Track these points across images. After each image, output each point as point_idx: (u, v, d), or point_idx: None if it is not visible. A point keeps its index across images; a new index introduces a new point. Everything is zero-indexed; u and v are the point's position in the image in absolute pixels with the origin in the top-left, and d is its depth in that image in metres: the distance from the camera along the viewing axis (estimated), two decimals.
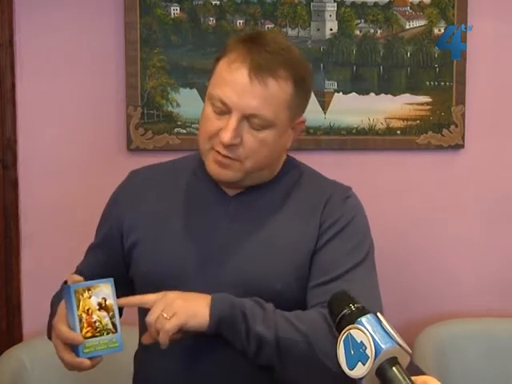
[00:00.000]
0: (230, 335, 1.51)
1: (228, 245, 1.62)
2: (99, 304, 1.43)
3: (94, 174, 2.58)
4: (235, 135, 1.54)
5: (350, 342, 1.13)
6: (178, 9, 2.60)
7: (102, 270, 1.70)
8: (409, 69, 2.71)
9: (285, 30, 2.64)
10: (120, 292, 1.72)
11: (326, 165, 2.61)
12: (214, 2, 2.61)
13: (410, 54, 2.71)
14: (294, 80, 1.57)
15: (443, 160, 2.78)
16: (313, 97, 2.62)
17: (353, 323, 1.14)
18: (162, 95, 2.60)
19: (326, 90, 2.68)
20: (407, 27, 2.71)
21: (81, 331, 1.41)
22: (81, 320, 1.41)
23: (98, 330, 1.42)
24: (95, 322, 1.42)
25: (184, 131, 2.60)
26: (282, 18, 2.64)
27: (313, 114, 2.66)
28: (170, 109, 2.61)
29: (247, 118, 1.55)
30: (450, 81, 2.72)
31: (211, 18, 2.61)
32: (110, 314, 1.44)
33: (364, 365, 1.11)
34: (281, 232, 1.64)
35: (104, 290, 1.44)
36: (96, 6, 2.57)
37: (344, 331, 1.14)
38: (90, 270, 1.73)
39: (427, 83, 2.72)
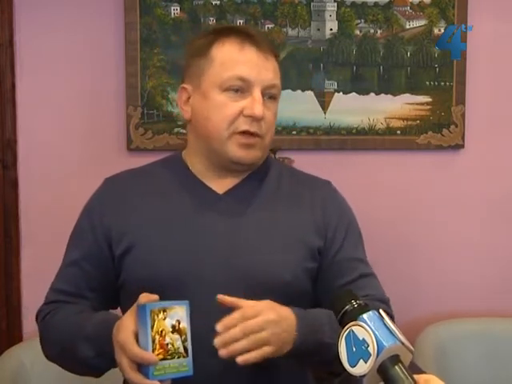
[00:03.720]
0: (298, 359, 1.53)
1: (229, 241, 1.61)
2: (173, 326, 1.40)
3: (94, 174, 2.52)
4: (263, 108, 1.61)
5: (352, 339, 1.12)
6: (178, 9, 2.60)
7: (91, 284, 1.68)
8: (409, 69, 2.71)
9: (285, 29, 2.64)
10: (107, 304, 1.70)
11: (326, 165, 2.64)
12: (214, 2, 2.61)
13: (410, 54, 2.71)
14: (275, 55, 1.69)
15: (443, 160, 2.78)
16: (313, 97, 2.67)
17: (355, 320, 1.14)
18: (162, 95, 2.60)
19: (326, 90, 2.68)
20: (407, 27, 2.71)
21: (152, 352, 1.38)
22: (154, 341, 1.38)
23: (170, 352, 1.39)
24: (167, 344, 1.39)
25: (184, 131, 2.59)
26: (282, 17, 2.64)
27: (313, 113, 2.67)
28: (169, 109, 2.61)
29: (264, 91, 1.62)
30: (450, 81, 2.72)
31: (211, 18, 2.61)
32: (183, 337, 1.40)
33: (366, 362, 1.10)
34: (279, 224, 1.65)
35: (179, 312, 1.40)
36: (96, 5, 2.57)
37: (346, 328, 1.14)
38: (78, 286, 1.68)
39: (427, 83, 2.72)
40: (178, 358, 1.40)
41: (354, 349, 1.12)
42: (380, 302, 1.57)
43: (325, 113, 2.68)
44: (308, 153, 2.67)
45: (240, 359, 1.41)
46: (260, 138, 1.63)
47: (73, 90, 2.58)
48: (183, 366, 1.40)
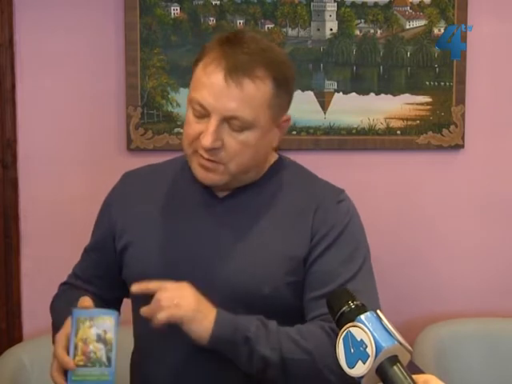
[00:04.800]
0: (230, 355, 1.51)
1: (216, 248, 1.61)
2: (98, 335, 1.43)
3: (94, 174, 2.57)
4: (215, 139, 1.53)
5: (350, 340, 1.12)
6: (178, 9, 2.60)
7: (97, 272, 1.74)
8: (409, 69, 2.71)
9: (285, 29, 2.64)
10: (115, 293, 1.74)
11: (326, 165, 2.63)
12: (214, 2, 2.61)
13: (410, 54, 2.71)
14: (273, 79, 1.55)
15: (443, 160, 2.78)
16: (313, 97, 2.67)
17: (352, 321, 1.13)
18: (162, 95, 2.59)
19: (326, 90, 2.68)
20: (407, 27, 2.71)
21: (74, 358, 1.42)
22: (76, 347, 1.42)
23: (91, 360, 1.42)
24: (90, 352, 1.42)
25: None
26: (282, 17, 2.64)
27: (313, 114, 2.67)
28: (169, 109, 2.61)
29: (227, 120, 1.54)
30: (450, 81, 2.72)
31: (211, 18, 2.60)
32: (108, 347, 1.43)
33: (364, 363, 1.10)
34: (269, 236, 1.61)
35: (107, 322, 1.43)
36: (96, 5, 2.57)
37: (343, 329, 1.13)
38: (86, 272, 1.76)
39: (427, 83, 2.72)
40: (100, 366, 1.42)
41: (352, 350, 1.11)
42: None
43: (325, 113, 2.68)
44: (308, 153, 2.66)
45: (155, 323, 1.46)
46: (220, 164, 1.56)
47: (73, 89, 2.58)
48: (104, 375, 1.43)
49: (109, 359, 1.43)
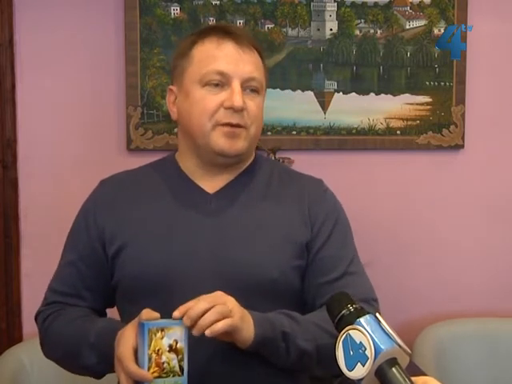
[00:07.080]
0: (268, 353, 1.54)
1: (216, 241, 1.63)
2: (170, 346, 1.43)
3: (94, 174, 2.54)
4: (243, 99, 1.63)
5: (349, 343, 1.12)
6: (178, 9, 2.60)
7: (86, 284, 1.70)
8: (409, 69, 2.71)
9: (285, 29, 2.64)
10: (104, 303, 1.73)
11: (326, 165, 2.64)
12: (214, 2, 2.61)
13: (410, 54, 2.71)
14: (260, 54, 1.72)
15: (443, 160, 2.78)
16: (313, 97, 2.67)
17: (352, 324, 1.13)
18: (162, 95, 2.59)
19: (326, 90, 2.68)
20: (407, 27, 2.71)
21: (148, 370, 1.42)
22: (150, 359, 1.42)
23: (165, 371, 1.43)
24: (163, 363, 1.42)
25: None
26: (282, 17, 2.64)
27: (313, 114, 2.68)
28: None
29: (245, 84, 1.65)
30: (450, 81, 2.72)
31: (211, 18, 2.61)
32: (179, 357, 1.43)
33: (363, 366, 1.10)
34: (269, 223, 1.66)
35: (177, 332, 1.43)
36: (96, 5, 2.57)
37: (343, 332, 1.14)
38: (72, 286, 1.71)
39: (427, 83, 2.72)
40: (173, 376, 1.43)
41: (352, 352, 1.12)
42: (362, 302, 1.53)
43: (325, 113, 2.68)
44: (308, 153, 2.67)
45: (208, 331, 1.41)
46: (244, 129, 1.64)
47: (73, 89, 2.58)
48: None
49: (181, 369, 1.43)
